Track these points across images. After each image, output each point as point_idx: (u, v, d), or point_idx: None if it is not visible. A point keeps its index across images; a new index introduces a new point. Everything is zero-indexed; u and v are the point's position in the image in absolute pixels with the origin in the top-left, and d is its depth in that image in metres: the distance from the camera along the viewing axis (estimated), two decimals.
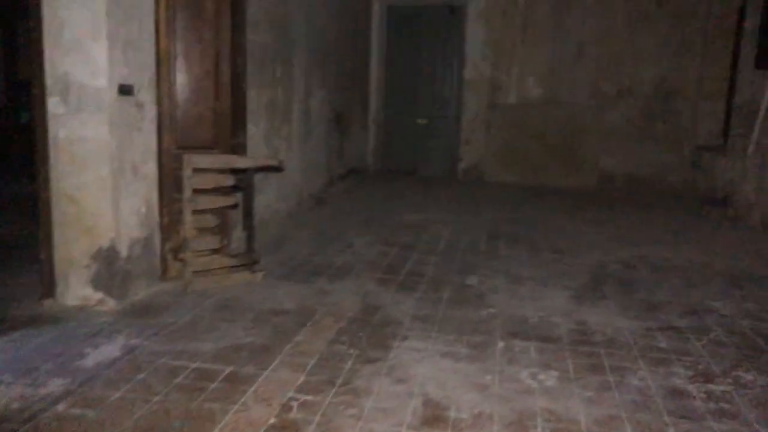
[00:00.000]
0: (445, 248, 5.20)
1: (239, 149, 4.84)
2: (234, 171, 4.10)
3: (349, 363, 2.94)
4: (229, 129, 4.20)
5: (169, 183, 4.00)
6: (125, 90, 3.51)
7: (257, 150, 5.41)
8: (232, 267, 4.15)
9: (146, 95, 3.75)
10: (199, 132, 4.07)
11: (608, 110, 8.82)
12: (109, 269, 3.60)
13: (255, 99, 5.32)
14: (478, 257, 4.94)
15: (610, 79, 8.80)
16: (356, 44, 8.54)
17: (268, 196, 5.73)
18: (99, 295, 3.63)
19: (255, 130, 5.36)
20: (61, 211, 3.57)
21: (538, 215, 6.76)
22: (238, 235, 4.93)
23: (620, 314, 3.72)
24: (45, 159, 3.51)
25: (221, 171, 4.03)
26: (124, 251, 3.67)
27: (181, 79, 3.96)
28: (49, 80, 3.42)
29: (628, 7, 8.60)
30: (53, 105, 3.44)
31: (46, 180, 3.53)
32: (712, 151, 7.87)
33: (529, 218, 6.56)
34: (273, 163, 4.19)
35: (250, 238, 4.18)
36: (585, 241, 5.59)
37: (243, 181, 4.09)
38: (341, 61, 7.82)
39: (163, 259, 4.06)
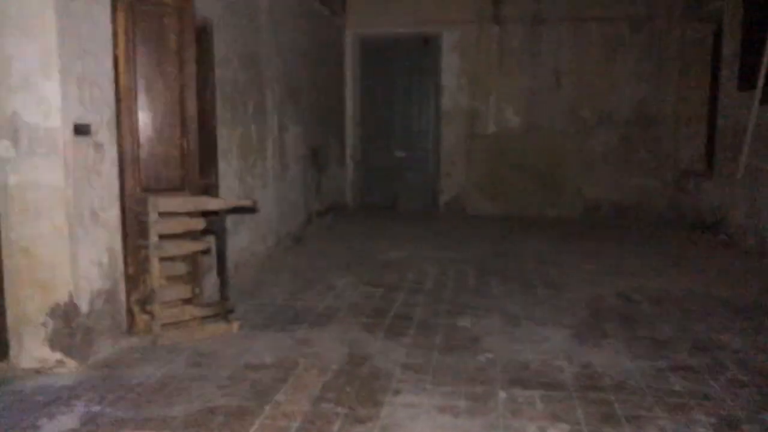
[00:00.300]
0: (433, 287, 4.91)
1: (210, 189, 4.55)
2: (205, 213, 3.80)
3: (337, 424, 2.62)
4: (197, 168, 3.91)
5: (133, 229, 3.69)
6: (81, 130, 3.22)
7: (230, 189, 5.12)
8: (205, 317, 3.82)
9: (105, 135, 3.45)
10: (166, 173, 3.78)
11: (589, 138, 8.72)
12: (69, 326, 3.25)
13: (226, 136, 5.05)
14: (469, 296, 4.66)
15: (589, 106, 8.72)
16: (330, 78, 8.36)
17: (242, 238, 5.42)
18: (57, 355, 3.27)
19: (227, 169, 5.08)
20: (13, 264, 3.23)
21: (526, 248, 6.53)
22: (211, 282, 4.60)
23: (626, 354, 3.46)
24: None
25: (191, 214, 3.73)
26: (84, 306, 3.32)
27: (143, 116, 3.68)
28: None
29: (603, 34, 8.58)
30: (2, 149, 3.13)
31: None
32: (697, 176, 7.77)
33: (517, 251, 6.33)
34: (246, 203, 3.90)
35: (223, 285, 3.86)
36: (578, 274, 5.35)
37: (215, 224, 3.79)
38: (315, 95, 7.61)
39: (129, 312, 3.71)
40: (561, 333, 3.82)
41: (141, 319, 3.75)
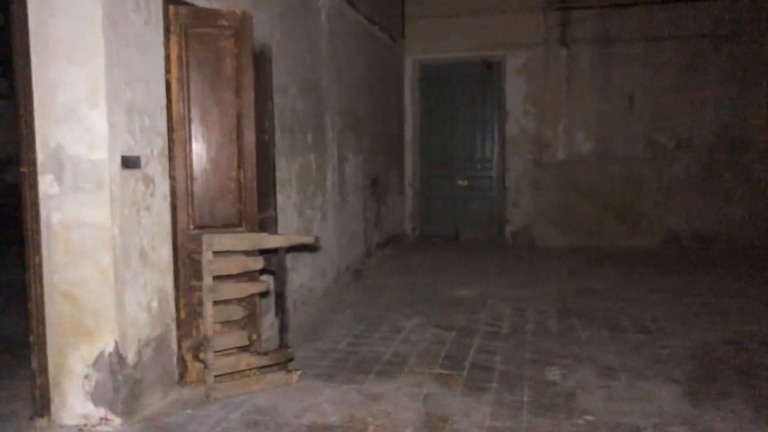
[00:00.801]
0: (511, 331, 4.42)
1: (269, 224, 4.23)
2: (263, 251, 3.46)
3: None
4: (256, 202, 3.59)
5: (186, 269, 3.37)
6: (130, 163, 2.94)
7: (289, 223, 4.80)
8: (263, 367, 3.45)
9: (156, 167, 3.17)
10: (221, 207, 3.47)
11: (667, 164, 8.09)
12: (114, 379, 2.93)
13: (285, 167, 4.75)
14: (553, 341, 4.15)
15: (667, 131, 8.10)
16: (389, 105, 8.05)
17: (301, 275, 5.08)
18: (101, 411, 2.95)
19: (286, 201, 4.76)
20: (55, 311, 2.95)
21: (606, 285, 5.94)
22: (270, 323, 4.25)
23: (755, 419, 2.89)
24: (36, 248, 2.92)
25: (248, 252, 3.39)
26: (131, 356, 3.00)
27: (197, 147, 3.39)
28: (39, 155, 2.86)
29: (679, 53, 7.99)
30: (46, 184, 2.87)
31: (38, 273, 2.93)
32: None
33: (597, 289, 5.75)
34: (308, 240, 3.54)
35: (283, 331, 3.49)
36: (671, 316, 4.76)
37: (274, 263, 3.44)
38: (374, 123, 7.30)
39: (181, 361, 3.38)
40: (669, 390, 3.27)
41: (194, 368, 3.41)
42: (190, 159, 3.38)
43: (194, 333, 3.42)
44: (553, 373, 3.53)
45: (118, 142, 2.88)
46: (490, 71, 8.63)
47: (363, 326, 4.61)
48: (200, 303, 3.38)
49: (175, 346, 3.35)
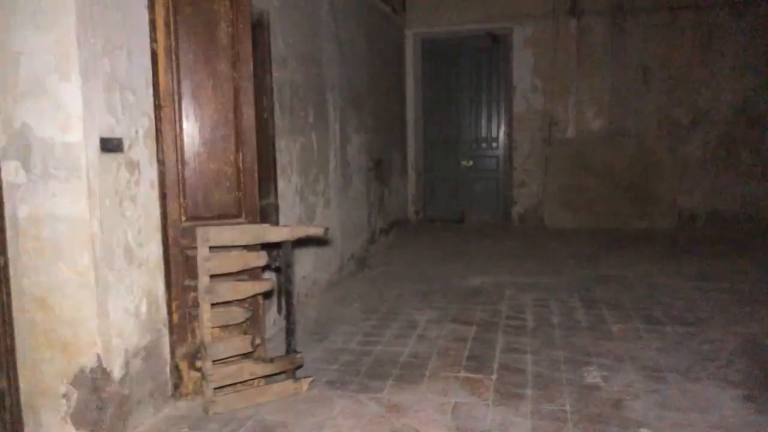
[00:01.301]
0: (536, 325, 4.04)
1: (270, 212, 3.81)
2: (265, 245, 3.05)
3: None
4: (256, 189, 3.17)
5: (178, 268, 2.96)
6: (111, 145, 2.51)
7: (291, 211, 4.38)
8: (268, 375, 3.06)
9: (142, 151, 2.74)
10: (218, 195, 3.04)
11: (683, 141, 7.70)
12: (97, 398, 2.53)
13: (285, 149, 4.32)
14: (585, 337, 3.77)
15: (683, 106, 7.70)
16: (390, 81, 7.59)
17: (304, 265, 4.68)
18: None
19: (286, 186, 4.34)
20: (26, 320, 2.53)
21: (628, 270, 5.57)
22: (272, 321, 3.85)
23: None
24: (1, 248, 2.49)
25: (249, 247, 2.98)
26: (117, 370, 2.60)
27: (189, 126, 2.96)
28: (1, 137, 2.42)
29: (697, 23, 7.57)
30: (9, 172, 2.44)
31: (4, 277, 2.50)
32: None
33: (620, 275, 5.38)
34: (317, 232, 3.13)
35: (290, 334, 3.09)
36: (706, 305, 4.40)
37: (278, 259, 3.03)
38: (376, 101, 6.85)
39: (175, 371, 2.98)
40: (727, 394, 2.90)
41: (190, 378, 3.01)
42: (181, 141, 2.94)
43: (189, 338, 3.02)
44: (593, 375, 3.16)
45: (96, 121, 2.45)
46: (496, 45, 8.18)
47: (374, 321, 4.23)
48: (196, 305, 2.97)
49: (168, 355, 2.95)
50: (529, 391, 2.99)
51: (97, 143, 2.44)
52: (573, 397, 2.91)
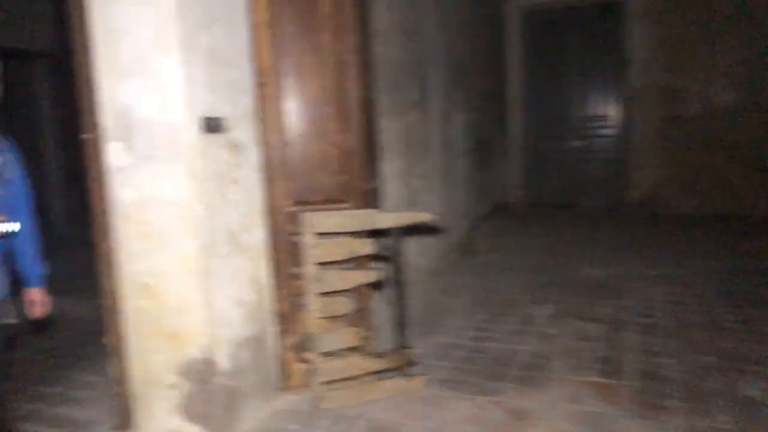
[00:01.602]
0: (672, 324, 3.58)
1: (373, 198, 3.58)
2: (372, 233, 2.82)
3: None
4: (362, 171, 2.94)
5: (283, 254, 2.79)
6: (212, 126, 2.34)
7: (392, 195, 4.14)
8: (378, 372, 2.84)
9: (244, 132, 2.57)
10: (322, 179, 2.84)
11: None
12: (205, 390, 2.41)
13: (388, 129, 4.07)
14: (732, 340, 3.29)
15: None
16: (491, 57, 7.17)
17: (405, 253, 4.42)
18: (192, 427, 2.43)
19: (389, 169, 4.10)
20: (134, 307, 2.44)
21: None
22: (380, 321, 3.64)
23: None
24: (106, 233, 2.40)
25: (356, 234, 2.76)
26: (224, 361, 2.46)
27: (292, 105, 2.77)
28: (105, 117, 2.31)
29: None
30: (113, 154, 2.33)
31: (109, 263, 2.41)
32: None
33: (762, 266, 4.76)
34: (424, 218, 2.86)
35: (401, 328, 2.85)
36: None
37: (387, 247, 2.79)
38: (478, 77, 6.47)
39: (283, 362, 2.83)
40: None
41: (296, 370, 2.85)
42: (284, 120, 2.76)
43: (296, 329, 2.85)
44: (751, 386, 2.71)
45: (197, 100, 2.29)
46: (609, 14, 7.55)
47: (485, 315, 3.92)
48: (301, 293, 2.79)
49: (274, 345, 2.79)
50: (677, 403, 2.60)
51: (198, 123, 2.28)
52: (733, 413, 2.49)
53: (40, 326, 3.27)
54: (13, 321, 2.08)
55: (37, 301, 2.18)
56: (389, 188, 4.08)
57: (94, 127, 2.29)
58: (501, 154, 7.63)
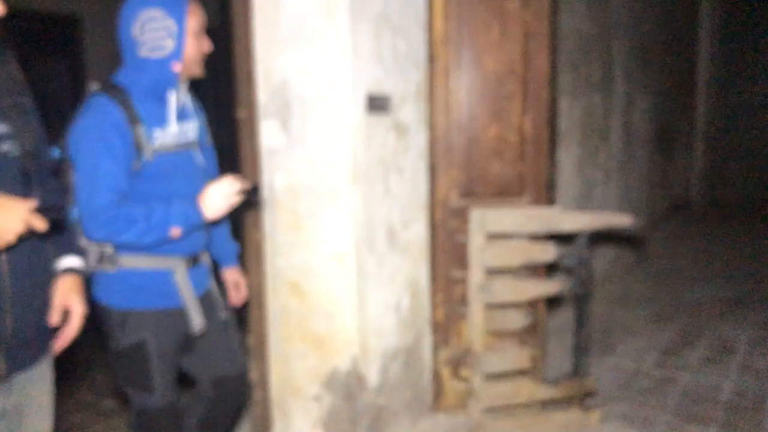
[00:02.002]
0: None
1: (551, 192, 3.11)
2: (553, 236, 2.37)
3: None
4: (543, 160, 2.49)
5: (445, 255, 2.43)
6: (378, 104, 2.02)
7: (567, 188, 3.63)
8: (548, 401, 2.41)
9: (412, 112, 2.22)
10: (497, 168, 2.43)
11: None
12: (351, 407, 2.12)
13: (566, 112, 3.56)
14: None
15: None
16: (678, 32, 6.26)
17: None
18: None
19: (565, 158, 3.59)
20: (279, 306, 2.20)
21: None
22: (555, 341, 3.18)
23: None
24: (256, 220, 2.18)
25: (534, 236, 2.33)
26: (373, 375, 2.16)
27: (467, 82, 2.37)
28: (261, 93, 2.07)
29: None
30: (269, 134, 2.09)
31: (258, 256, 2.19)
32: None
33: None
34: (623, 222, 2.35)
35: (581, 352, 2.39)
36: None
37: (569, 256, 2.33)
38: (664, 56, 5.65)
39: (436, 378, 2.48)
40: None
41: (451, 388, 2.50)
42: (456, 100, 2.38)
43: (454, 340, 2.49)
44: None
45: (363, 74, 1.97)
46: None
47: (670, 334, 3.32)
48: (463, 301, 2.42)
49: (428, 358, 2.46)
50: None
51: (363, 101, 1.97)
52: None
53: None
54: (225, 316, 1.80)
55: (240, 282, 1.94)
56: (563, 180, 3.57)
57: (249, 104, 2.05)
58: (685, 145, 6.71)
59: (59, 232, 1.33)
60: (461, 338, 2.47)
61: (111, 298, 1.60)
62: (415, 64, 2.22)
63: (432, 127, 2.36)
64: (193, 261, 1.67)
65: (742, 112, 6.97)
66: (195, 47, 1.57)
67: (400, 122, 2.16)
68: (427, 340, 2.43)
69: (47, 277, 1.30)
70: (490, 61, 2.38)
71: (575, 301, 2.36)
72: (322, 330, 2.12)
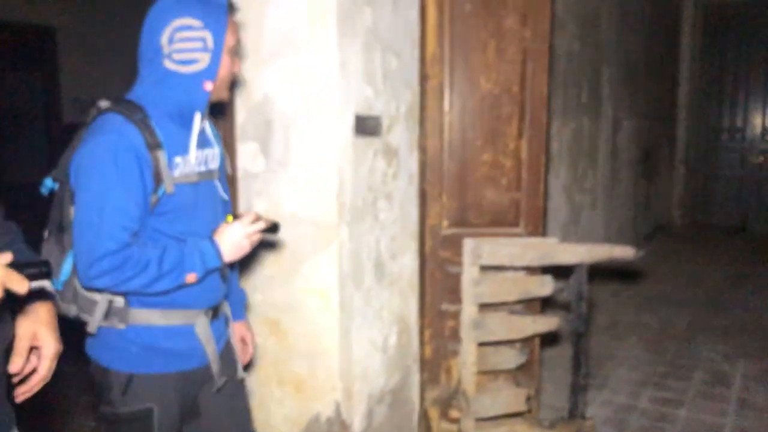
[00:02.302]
0: None
1: (543, 219, 2.97)
2: (545, 268, 2.22)
3: None
4: (542, 188, 2.35)
5: (435, 286, 2.27)
6: (367, 127, 1.86)
7: (555, 213, 3.51)
8: None
9: (402, 134, 2.07)
10: (490, 195, 2.28)
11: None
12: None
13: (556, 135, 3.44)
14: None
15: None
16: (661, 56, 6.24)
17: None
18: None
19: (554, 182, 3.48)
20: (257, 347, 2.00)
21: None
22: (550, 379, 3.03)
23: None
24: None
25: (530, 269, 2.18)
26: (358, 421, 1.98)
27: (460, 103, 2.23)
28: (240, 112, 1.89)
29: None
30: (246, 156, 1.91)
31: None
32: None
33: None
34: (624, 254, 2.21)
35: (579, 392, 2.24)
36: None
37: (568, 289, 2.18)
38: (649, 79, 5.61)
39: (424, 418, 2.31)
40: None
41: (440, 429, 2.32)
42: (449, 122, 2.23)
43: (443, 378, 2.32)
44: None
45: (352, 92, 1.81)
46: None
47: (663, 367, 3.20)
48: (453, 336, 2.26)
49: (416, 398, 2.28)
50: None
51: (351, 121, 1.80)
52: None
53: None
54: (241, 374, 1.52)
55: (248, 339, 1.60)
56: (551, 205, 3.45)
57: (226, 121, 1.87)
58: (666, 168, 6.68)
59: (44, 296, 1.08)
60: (451, 376, 2.30)
61: (115, 360, 1.32)
62: (406, 84, 2.07)
63: (423, 150, 2.21)
64: (214, 313, 1.41)
65: (719, 135, 6.98)
66: (228, 67, 1.32)
67: (390, 145, 2.00)
68: (414, 379, 2.26)
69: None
70: (486, 82, 2.23)
71: (573, 338, 2.21)
72: (303, 372, 1.93)
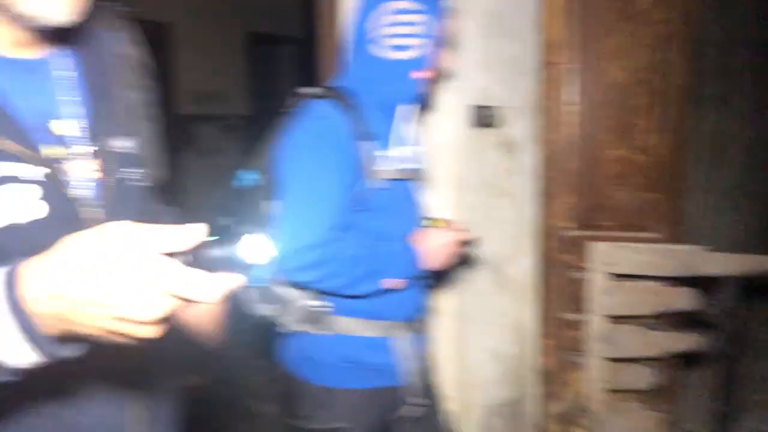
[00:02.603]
0: None
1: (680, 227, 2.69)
2: (687, 280, 1.96)
3: None
4: (677, 188, 2.09)
5: (555, 293, 2.07)
6: (484, 117, 1.72)
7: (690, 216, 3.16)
8: None
9: (521, 127, 1.90)
10: (620, 195, 2.06)
11: None
12: None
13: (693, 130, 3.11)
14: None
15: None
16: None
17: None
18: None
19: (696, 183, 3.13)
20: None
21: None
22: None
23: None
24: None
25: (667, 279, 1.94)
26: None
27: (585, 93, 2.02)
28: None
29: None
30: None
31: None
32: None
33: None
34: None
35: (723, 420, 1.96)
36: None
37: (713, 305, 1.92)
38: None
39: None
40: None
41: None
42: (573, 112, 2.03)
43: (565, 394, 2.12)
44: None
45: (467, 81, 1.67)
46: None
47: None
48: (576, 348, 2.06)
49: (534, 412, 2.10)
50: None
51: (466, 111, 1.67)
52: None
53: None
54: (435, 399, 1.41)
55: None
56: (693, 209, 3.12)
57: None
58: None
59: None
60: (571, 390, 2.10)
61: (315, 372, 1.23)
62: (526, 72, 1.91)
63: (544, 144, 2.03)
64: (415, 327, 1.30)
65: None
66: (436, 59, 1.22)
67: (507, 138, 1.85)
68: (533, 391, 2.08)
69: None
70: (614, 69, 2.02)
71: (719, 361, 1.94)
72: None
